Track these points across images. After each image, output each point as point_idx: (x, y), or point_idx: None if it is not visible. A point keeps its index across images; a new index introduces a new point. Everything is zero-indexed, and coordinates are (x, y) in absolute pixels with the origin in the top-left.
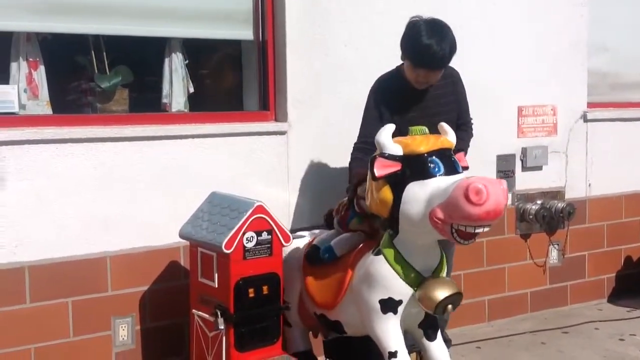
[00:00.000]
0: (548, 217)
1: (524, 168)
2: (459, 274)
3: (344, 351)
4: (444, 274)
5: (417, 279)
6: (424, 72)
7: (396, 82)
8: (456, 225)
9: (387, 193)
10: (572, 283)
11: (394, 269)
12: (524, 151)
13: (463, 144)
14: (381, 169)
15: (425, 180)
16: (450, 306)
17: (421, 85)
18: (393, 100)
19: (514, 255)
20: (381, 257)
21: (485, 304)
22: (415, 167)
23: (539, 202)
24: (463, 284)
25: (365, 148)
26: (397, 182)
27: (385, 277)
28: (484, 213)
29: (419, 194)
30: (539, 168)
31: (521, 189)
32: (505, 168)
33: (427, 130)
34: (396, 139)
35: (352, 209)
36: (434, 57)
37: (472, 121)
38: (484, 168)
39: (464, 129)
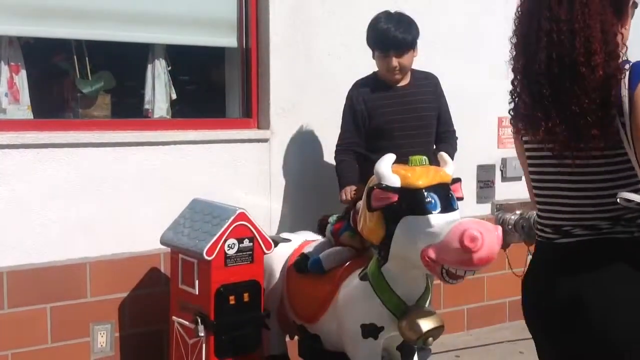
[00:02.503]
0: (527, 227)
1: (504, 178)
2: (438, 283)
3: (318, 352)
4: (427, 303)
5: (401, 308)
6: (391, 56)
7: (372, 81)
8: (447, 267)
9: (380, 224)
10: None
11: (378, 296)
12: (504, 161)
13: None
14: (378, 200)
15: (421, 217)
16: (430, 338)
17: (394, 74)
18: (371, 98)
19: (493, 265)
20: (367, 283)
21: (464, 313)
22: (411, 201)
23: (518, 212)
24: (443, 293)
25: (346, 149)
26: (392, 213)
27: (369, 303)
28: (477, 259)
29: (413, 230)
30: (519, 178)
31: (500, 199)
32: (485, 178)
33: (426, 160)
34: (395, 167)
35: (346, 221)
36: (395, 38)
37: (455, 136)
38: (464, 178)
39: (446, 139)
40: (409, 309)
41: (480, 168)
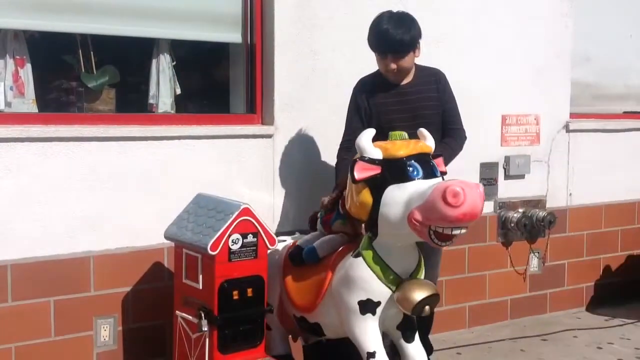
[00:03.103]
0: (529, 225)
1: (507, 176)
2: (441, 280)
3: (324, 356)
4: (421, 276)
5: (396, 281)
6: (389, 59)
7: (376, 80)
8: (434, 227)
9: (366, 196)
10: (552, 291)
11: (372, 270)
12: (507, 160)
13: (446, 149)
14: (361, 172)
15: (404, 184)
16: (427, 307)
17: (394, 75)
18: (374, 97)
19: (495, 263)
20: (360, 259)
21: (466, 310)
22: (394, 170)
23: (520, 210)
24: (444, 290)
25: (350, 147)
26: (377, 186)
27: (364, 278)
28: (460, 214)
29: (397, 197)
30: (522, 177)
31: (503, 197)
32: (488, 176)
33: (406, 135)
34: (376, 143)
35: (336, 210)
36: (392, 41)
37: (462, 134)
38: (467, 175)
39: (452, 134)
40: (403, 281)
41: (483, 166)
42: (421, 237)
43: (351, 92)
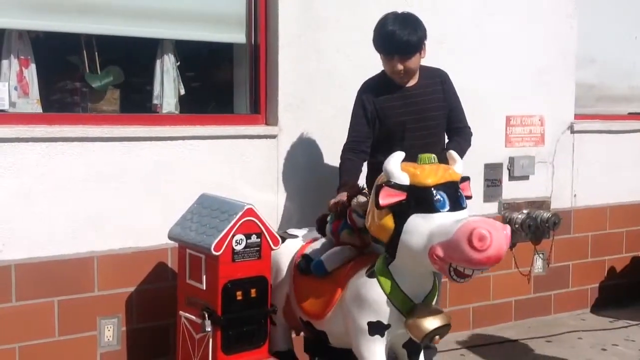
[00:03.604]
0: (534, 226)
1: (511, 177)
2: (445, 281)
3: (324, 348)
4: (434, 301)
5: (408, 306)
6: (395, 60)
7: (381, 81)
8: (455, 265)
9: (389, 221)
10: (556, 292)
11: (385, 294)
12: (512, 160)
13: (457, 149)
14: (386, 198)
15: (429, 214)
16: (437, 337)
17: (400, 76)
18: (380, 99)
19: (499, 264)
20: (374, 280)
21: (470, 311)
22: (420, 199)
23: (525, 211)
24: (448, 292)
25: (354, 148)
26: (401, 212)
27: (376, 301)
28: (485, 258)
29: (421, 228)
30: (526, 178)
31: (508, 198)
32: (492, 177)
33: (436, 158)
34: (404, 165)
35: (344, 220)
36: (399, 42)
37: (469, 131)
38: (471, 176)
39: (460, 133)
40: (416, 307)
41: (488, 167)
42: (440, 271)
43: (355, 93)
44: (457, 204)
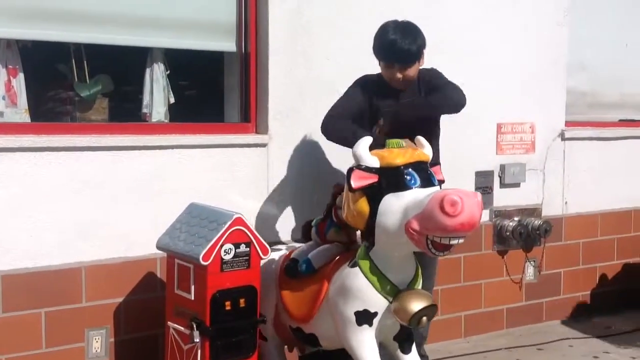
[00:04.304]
0: (525, 234)
1: (502, 185)
2: (436, 289)
3: None
4: (419, 286)
5: (393, 291)
6: (395, 68)
7: (379, 81)
8: (431, 237)
9: (363, 205)
10: (548, 300)
11: (369, 280)
12: (502, 168)
13: (418, 101)
14: (358, 180)
15: (402, 192)
16: (424, 318)
17: (398, 83)
18: (375, 99)
19: (491, 272)
20: (357, 269)
21: (461, 319)
22: (391, 179)
23: (516, 219)
24: (440, 299)
25: (339, 114)
26: (374, 194)
27: (360, 289)
28: (458, 224)
29: (395, 206)
30: (517, 185)
31: (499, 206)
32: (483, 184)
33: (404, 143)
34: (373, 151)
35: (330, 218)
36: (400, 51)
37: (452, 85)
38: (462, 184)
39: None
40: (401, 291)
41: (479, 174)
42: (418, 247)
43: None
44: (428, 181)
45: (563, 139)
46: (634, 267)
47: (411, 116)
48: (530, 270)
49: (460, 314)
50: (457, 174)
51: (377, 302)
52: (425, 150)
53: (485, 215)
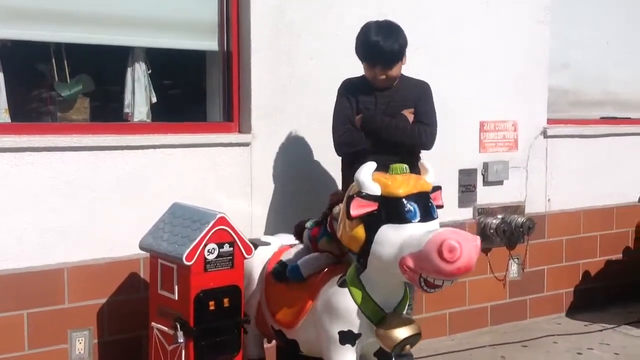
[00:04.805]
0: (508, 231)
1: (485, 183)
2: None
3: (297, 357)
4: (405, 310)
5: (379, 315)
6: (378, 69)
7: (361, 83)
8: (425, 276)
9: (360, 231)
10: (532, 297)
11: (356, 303)
12: (486, 166)
13: (391, 124)
14: (357, 209)
15: (400, 225)
16: (408, 346)
17: (381, 83)
18: (360, 98)
19: (475, 269)
20: (345, 290)
21: (446, 317)
22: (391, 209)
23: (499, 216)
24: (425, 297)
25: (352, 130)
26: (372, 222)
27: (347, 310)
28: (455, 270)
29: (392, 238)
30: (500, 183)
31: (482, 204)
32: (466, 182)
33: (407, 168)
34: (376, 175)
35: (323, 227)
36: (383, 53)
37: (428, 129)
38: (445, 182)
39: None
40: (387, 316)
41: (462, 172)
42: (410, 282)
43: (329, 99)
44: (428, 214)
45: (545, 136)
46: (617, 264)
47: (375, 130)
48: (513, 268)
49: (444, 312)
50: (440, 172)
51: (362, 324)
52: (428, 177)
53: (469, 213)
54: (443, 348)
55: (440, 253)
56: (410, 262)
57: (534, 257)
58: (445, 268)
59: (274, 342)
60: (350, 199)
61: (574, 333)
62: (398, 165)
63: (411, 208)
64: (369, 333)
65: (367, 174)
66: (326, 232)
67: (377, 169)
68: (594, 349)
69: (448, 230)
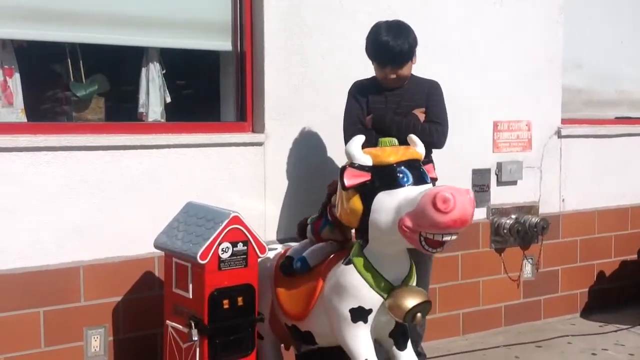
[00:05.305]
0: (522, 231)
1: (499, 182)
2: (434, 287)
3: None
4: (413, 282)
5: (387, 288)
6: (388, 69)
7: (371, 84)
8: (424, 234)
9: (357, 203)
10: (546, 297)
11: (364, 278)
12: (499, 166)
13: (402, 123)
14: (351, 179)
15: (394, 190)
16: (419, 314)
17: (392, 82)
18: (370, 99)
19: (489, 269)
20: (351, 266)
21: (460, 317)
22: (384, 177)
23: (513, 216)
24: (438, 298)
25: (362, 130)
26: (367, 192)
27: (355, 286)
28: (451, 221)
29: (388, 203)
30: (514, 183)
31: (496, 204)
32: (480, 182)
33: (396, 141)
34: (366, 149)
35: (324, 217)
36: (392, 53)
37: (440, 128)
38: (459, 182)
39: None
40: (395, 288)
41: (476, 172)
42: (412, 244)
43: (341, 99)
44: (420, 179)
45: (559, 136)
46: (632, 265)
47: (386, 129)
48: (527, 268)
49: (458, 312)
50: (453, 172)
51: (371, 299)
52: (417, 148)
53: (483, 213)
54: (456, 348)
55: (434, 205)
56: (408, 222)
57: (548, 258)
58: (441, 219)
59: (291, 350)
60: (344, 169)
61: (588, 334)
62: (387, 139)
63: (403, 174)
64: (379, 307)
65: (357, 146)
66: (327, 221)
67: None
68: (608, 349)
69: (441, 185)
